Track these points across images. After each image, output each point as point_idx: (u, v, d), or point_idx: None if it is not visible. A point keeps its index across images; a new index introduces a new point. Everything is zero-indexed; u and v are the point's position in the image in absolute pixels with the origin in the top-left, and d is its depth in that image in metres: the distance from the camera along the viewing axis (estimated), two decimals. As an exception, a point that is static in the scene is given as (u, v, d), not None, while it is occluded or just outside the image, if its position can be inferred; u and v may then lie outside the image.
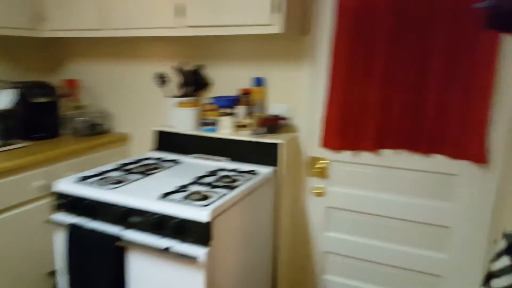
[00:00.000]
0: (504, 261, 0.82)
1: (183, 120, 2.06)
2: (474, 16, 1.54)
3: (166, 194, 1.47)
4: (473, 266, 1.76)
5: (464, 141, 1.66)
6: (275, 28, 1.63)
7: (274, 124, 1.90)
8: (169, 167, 1.86)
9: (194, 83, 2.16)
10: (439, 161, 1.74)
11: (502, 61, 1.56)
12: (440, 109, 1.68)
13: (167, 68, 2.26)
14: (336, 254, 2.04)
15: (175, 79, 2.22)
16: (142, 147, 2.45)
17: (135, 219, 1.43)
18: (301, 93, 1.96)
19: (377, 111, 1.76)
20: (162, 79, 2.17)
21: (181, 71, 2.14)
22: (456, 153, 1.70)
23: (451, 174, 1.73)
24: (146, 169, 1.80)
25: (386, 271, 1.94)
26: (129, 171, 1.76)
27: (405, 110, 1.73)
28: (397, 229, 1.87)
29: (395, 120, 1.75)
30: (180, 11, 1.80)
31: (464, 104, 1.63)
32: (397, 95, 1.73)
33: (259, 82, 2.03)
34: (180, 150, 2.07)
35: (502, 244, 0.84)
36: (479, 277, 1.75)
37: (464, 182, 1.71)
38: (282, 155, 1.83)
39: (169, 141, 2.10)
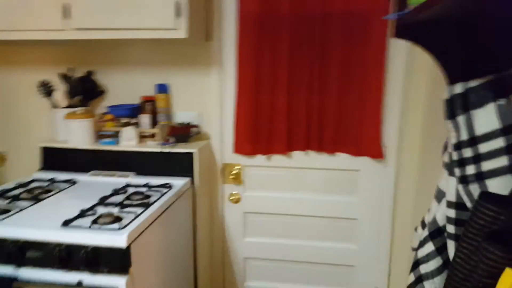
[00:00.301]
0: (429, 247, 0.91)
1: (75, 133, 1.85)
2: (364, 22, 1.70)
3: (69, 221, 1.29)
4: (380, 253, 1.94)
5: (363, 139, 1.82)
6: (179, 32, 1.57)
7: (184, 132, 1.83)
8: (65, 189, 1.64)
9: (85, 91, 1.95)
10: (343, 159, 1.88)
11: (389, 64, 1.76)
12: (340, 111, 1.81)
13: (53, 75, 2.00)
14: (255, 259, 2.06)
15: (62, 88, 1.97)
16: (24, 168, 2.12)
17: (33, 254, 1.22)
18: (211, 99, 1.92)
19: (286, 115, 1.82)
20: (46, 88, 1.91)
21: (69, 78, 1.91)
22: (356, 151, 1.86)
23: (354, 170, 1.89)
24: (37, 193, 1.56)
25: (304, 268, 2.03)
26: (16, 198, 1.50)
27: (310, 113, 1.83)
28: (311, 226, 1.97)
29: (302, 123, 1.84)
30: (66, 12, 1.60)
31: (360, 105, 1.80)
32: (302, 99, 1.81)
33: (163, 88, 1.93)
34: (75, 168, 1.85)
35: (425, 232, 0.93)
36: (386, 263, 1.94)
37: (366, 176, 1.88)
38: (196, 165, 1.77)
39: (61, 159, 1.85)
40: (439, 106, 1.54)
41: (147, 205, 1.44)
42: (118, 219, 1.33)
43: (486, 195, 0.71)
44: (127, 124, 1.91)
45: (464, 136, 0.79)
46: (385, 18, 1.09)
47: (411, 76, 1.75)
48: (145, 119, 1.93)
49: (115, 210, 1.41)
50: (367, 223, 1.92)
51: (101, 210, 1.41)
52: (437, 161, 1.54)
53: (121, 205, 1.45)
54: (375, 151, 1.83)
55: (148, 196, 1.55)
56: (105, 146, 1.83)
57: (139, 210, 1.40)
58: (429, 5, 0.71)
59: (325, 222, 1.96)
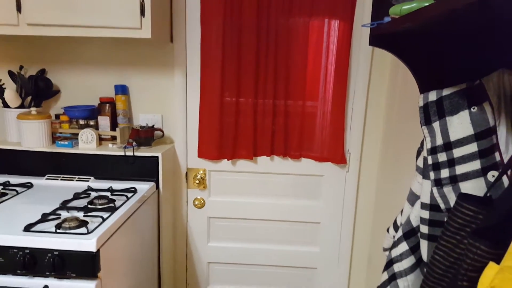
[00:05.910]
0: (403, 247, 1.01)
1: (29, 134, 1.85)
2: (327, 30, 1.87)
3: (32, 225, 1.32)
4: (341, 255, 2.12)
5: (326, 145, 1.99)
6: (143, 32, 1.61)
7: (148, 135, 1.89)
8: (21, 192, 1.65)
9: (38, 91, 1.95)
10: (307, 164, 2.03)
11: (352, 72, 1.94)
12: (305, 118, 1.96)
13: (3, 73, 1.98)
14: (219, 263, 2.16)
15: (14, 87, 1.96)
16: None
17: (-6, 260, 1.24)
18: (174, 102, 2.00)
19: (251, 120, 1.94)
20: (-4, 86, 1.89)
21: (21, 77, 1.91)
22: (320, 157, 2.01)
23: (317, 175, 2.05)
24: (-10, 197, 1.56)
25: (267, 271, 2.16)
26: (-34, 203, 1.49)
27: (275, 118, 1.96)
28: (274, 230, 2.11)
29: (267, 129, 1.96)
30: (19, 6, 1.61)
31: (324, 112, 1.96)
32: (268, 104, 1.94)
33: (123, 89, 1.98)
34: (29, 171, 1.85)
35: (399, 233, 1.05)
36: (347, 264, 2.12)
37: (329, 181, 2.05)
38: (160, 169, 1.84)
39: (13, 161, 1.85)
40: (400, 113, 1.73)
41: (113, 209, 1.49)
42: (84, 223, 1.38)
43: (464, 196, 0.77)
44: (85, 126, 1.94)
45: (439, 141, 0.87)
46: (363, 26, 1.22)
47: (373, 83, 1.94)
48: (104, 121, 1.96)
49: (79, 215, 1.45)
50: (329, 227, 2.09)
51: (64, 214, 1.45)
52: (397, 166, 1.73)
53: (86, 209, 1.49)
54: (338, 157, 1.99)
55: (113, 200, 1.60)
56: (62, 148, 1.85)
57: (105, 214, 1.45)
58: (415, 19, 0.76)
59: (289, 226, 2.10)
